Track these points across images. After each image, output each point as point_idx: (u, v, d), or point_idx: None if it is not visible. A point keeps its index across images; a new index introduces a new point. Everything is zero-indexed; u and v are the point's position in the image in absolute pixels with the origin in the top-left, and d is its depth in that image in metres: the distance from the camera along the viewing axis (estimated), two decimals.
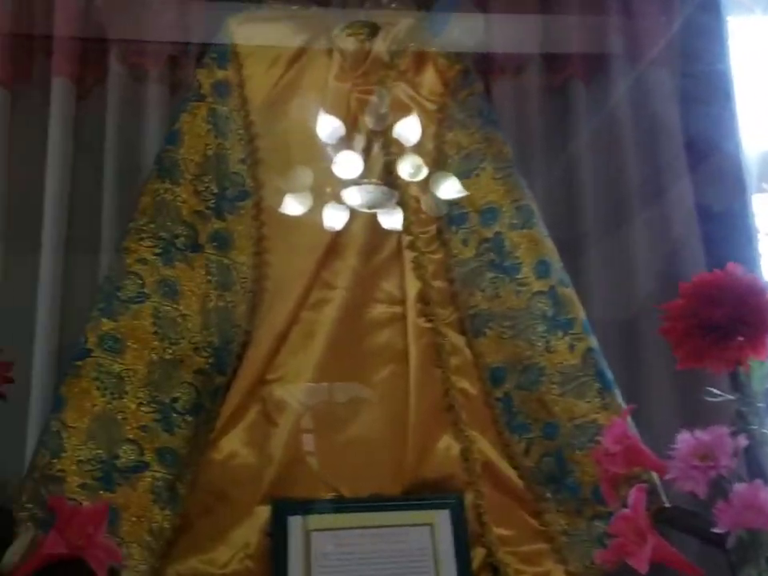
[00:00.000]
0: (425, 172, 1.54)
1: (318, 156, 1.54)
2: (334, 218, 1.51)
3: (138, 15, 1.77)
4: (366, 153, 1.56)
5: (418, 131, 1.53)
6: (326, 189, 1.51)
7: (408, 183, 1.55)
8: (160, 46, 1.79)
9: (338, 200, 1.51)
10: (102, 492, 1.34)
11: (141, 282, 1.48)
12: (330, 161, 1.51)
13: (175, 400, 1.43)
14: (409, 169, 1.53)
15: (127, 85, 1.78)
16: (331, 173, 1.50)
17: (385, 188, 1.52)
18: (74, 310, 1.61)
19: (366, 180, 1.51)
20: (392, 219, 1.53)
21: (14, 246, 1.67)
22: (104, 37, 1.78)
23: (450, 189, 1.56)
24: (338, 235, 1.53)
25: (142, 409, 1.41)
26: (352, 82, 1.60)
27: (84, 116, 1.76)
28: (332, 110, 1.56)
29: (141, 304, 1.47)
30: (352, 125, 1.57)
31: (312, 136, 1.54)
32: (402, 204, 1.56)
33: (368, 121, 1.56)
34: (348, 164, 1.50)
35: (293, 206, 1.52)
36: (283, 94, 1.62)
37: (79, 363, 1.41)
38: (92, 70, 1.78)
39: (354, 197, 1.50)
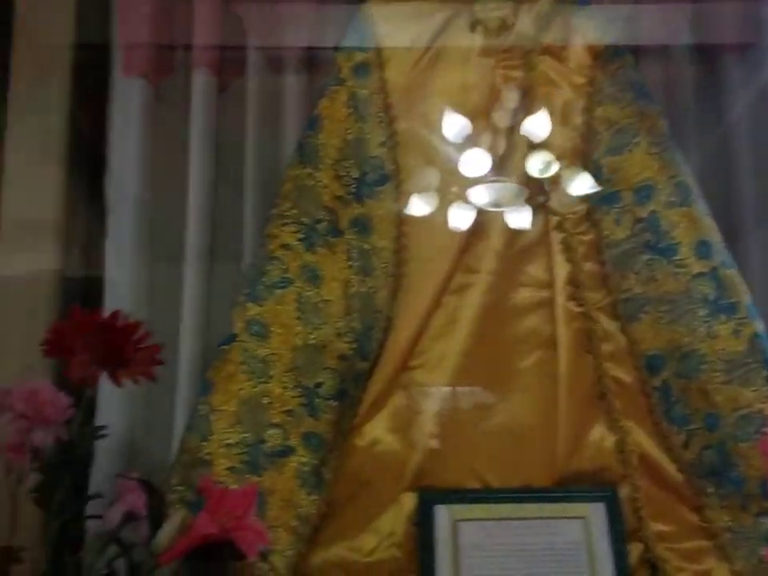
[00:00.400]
0: (555, 167, 1.47)
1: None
2: (461, 218, 1.46)
3: (276, 5, 1.77)
4: (509, 135, 1.50)
5: (548, 126, 1.46)
6: (467, 173, 1.47)
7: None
8: (298, 35, 1.78)
9: (476, 187, 1.47)
10: (248, 476, 1.34)
11: (284, 267, 1.48)
12: (473, 143, 1.47)
13: (319, 385, 1.42)
14: (539, 165, 1.47)
15: (266, 75, 1.78)
16: (474, 155, 1.46)
17: (514, 185, 1.47)
18: (218, 315, 1.60)
19: (493, 177, 1.45)
20: (520, 217, 1.47)
21: (157, 249, 1.68)
22: (243, 28, 1.79)
23: (581, 185, 1.49)
24: (480, 217, 1.48)
25: (287, 393, 1.40)
26: (496, 57, 1.55)
27: (225, 108, 1.77)
28: (475, 88, 1.52)
29: (284, 289, 1.46)
30: (496, 101, 1.52)
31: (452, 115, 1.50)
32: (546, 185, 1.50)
33: (497, 118, 1.51)
34: (478, 162, 1.45)
35: (429, 202, 1.49)
36: (424, 73, 1.57)
37: (226, 348, 1.42)
38: (231, 62, 1.79)
39: (482, 195, 1.45)
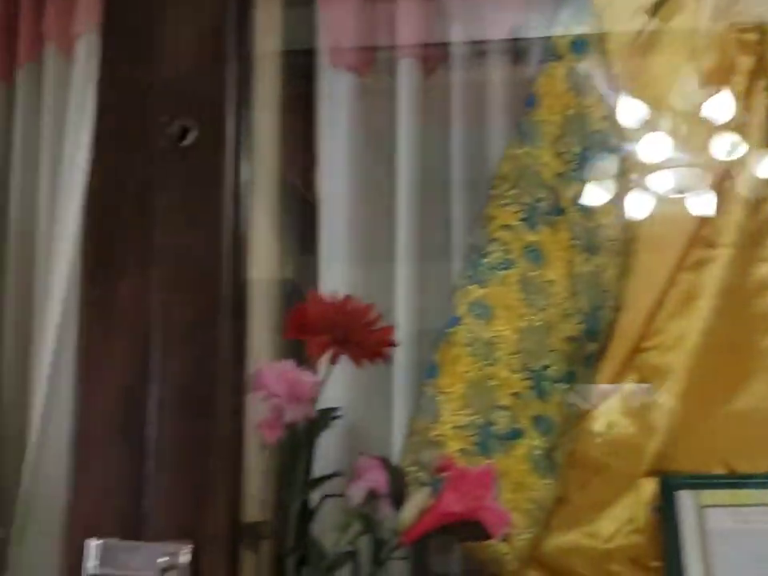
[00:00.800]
0: (743, 150, 1.39)
1: (685, 105, 1.43)
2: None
3: None
4: (747, 100, 1.42)
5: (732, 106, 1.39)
6: (698, 137, 1.40)
7: None
8: (502, 17, 1.75)
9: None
10: (479, 458, 1.33)
11: (506, 248, 1.45)
12: (698, 109, 1.41)
13: (546, 367, 1.39)
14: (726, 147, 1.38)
15: (471, 65, 1.76)
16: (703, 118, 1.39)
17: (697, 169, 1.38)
18: (429, 314, 1.58)
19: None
20: (702, 202, 1.39)
21: (369, 245, 1.67)
22: (447, 17, 1.78)
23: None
24: (717, 188, 1.40)
25: (514, 376, 1.38)
26: (728, 21, 1.46)
27: (429, 101, 1.76)
28: (705, 55, 1.44)
29: (507, 270, 1.44)
30: (729, 69, 1.44)
31: (680, 84, 1.43)
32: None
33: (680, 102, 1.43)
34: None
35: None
36: (649, 42, 1.51)
37: (450, 330, 1.42)
38: (436, 52, 1.77)
39: (670, 179, 1.39)
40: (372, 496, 1.21)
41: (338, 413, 1.32)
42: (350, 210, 1.66)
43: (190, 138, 1.02)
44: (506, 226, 1.47)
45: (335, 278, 1.62)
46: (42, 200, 1.67)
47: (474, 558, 1.30)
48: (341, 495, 1.26)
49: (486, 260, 1.45)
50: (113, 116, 1.06)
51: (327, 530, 1.27)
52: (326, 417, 1.29)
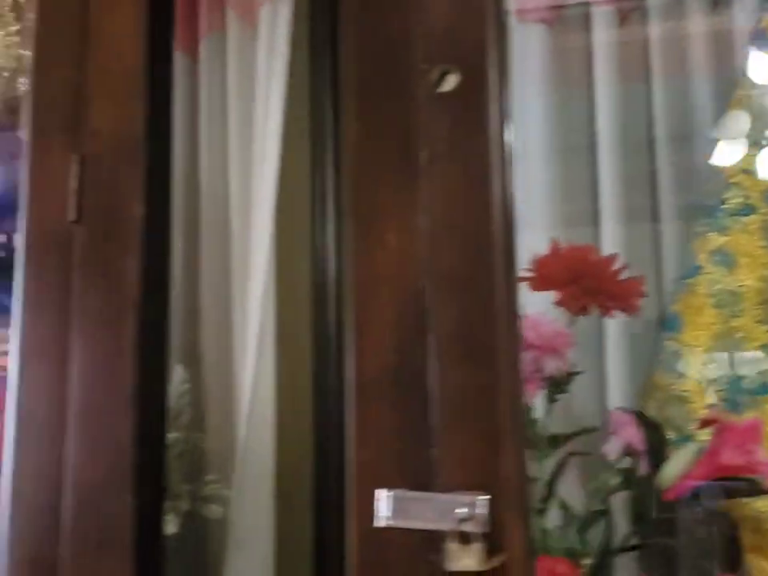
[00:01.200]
0: None
1: None
2: None
3: None
4: None
5: None
6: None
7: None
8: None
9: None
10: (728, 413, 1.27)
11: (745, 193, 1.38)
12: None
13: None
14: None
15: (665, 7, 1.66)
16: None
17: None
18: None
19: None
20: None
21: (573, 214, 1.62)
22: None
23: None
24: None
25: (761, 327, 1.32)
26: None
27: (626, 47, 1.67)
28: None
29: (748, 216, 1.37)
30: None
31: None
32: None
33: None
34: None
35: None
36: None
37: (690, 281, 1.36)
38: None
39: None
40: (628, 452, 1.17)
41: (578, 370, 1.29)
42: (546, 169, 1.58)
43: (452, 84, 0.99)
44: (745, 170, 1.39)
45: (532, 242, 1.57)
46: (233, 169, 1.65)
47: (731, 515, 1.24)
48: (587, 453, 1.22)
49: (724, 206, 1.38)
50: (368, 68, 1.04)
51: (571, 488, 1.24)
52: (570, 372, 1.25)
